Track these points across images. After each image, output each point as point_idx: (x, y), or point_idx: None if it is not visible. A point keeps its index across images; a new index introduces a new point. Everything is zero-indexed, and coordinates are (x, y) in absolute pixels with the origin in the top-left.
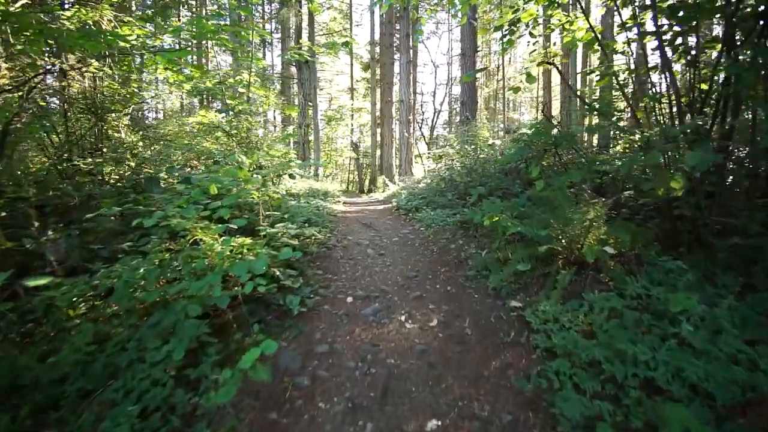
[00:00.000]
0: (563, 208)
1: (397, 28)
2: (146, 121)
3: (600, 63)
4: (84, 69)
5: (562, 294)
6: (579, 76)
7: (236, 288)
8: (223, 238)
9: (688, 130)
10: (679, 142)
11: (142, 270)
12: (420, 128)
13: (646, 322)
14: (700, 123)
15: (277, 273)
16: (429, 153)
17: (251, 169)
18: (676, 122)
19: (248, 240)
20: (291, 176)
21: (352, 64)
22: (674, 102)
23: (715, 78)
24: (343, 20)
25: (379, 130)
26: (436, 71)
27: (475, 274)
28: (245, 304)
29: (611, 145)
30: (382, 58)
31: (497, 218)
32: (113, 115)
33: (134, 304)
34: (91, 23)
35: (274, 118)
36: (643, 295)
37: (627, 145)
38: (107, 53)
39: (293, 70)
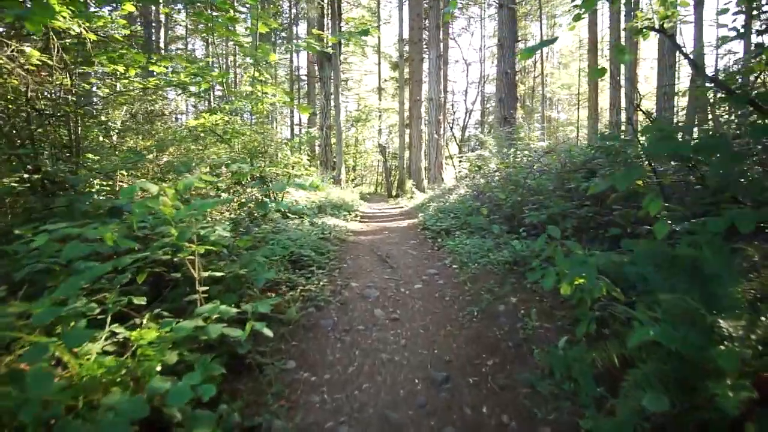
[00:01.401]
0: (723, 283)
1: (426, 24)
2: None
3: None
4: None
5: None
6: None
7: None
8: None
9: None
10: None
11: None
12: (451, 129)
13: None
14: None
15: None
16: (461, 156)
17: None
18: None
19: (149, 334)
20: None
21: (379, 63)
22: None
23: None
24: (371, 17)
25: (407, 131)
26: (467, 69)
27: (550, 388)
28: None
29: None
30: (411, 55)
31: (581, 281)
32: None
33: None
34: None
35: (299, 120)
36: None
37: None
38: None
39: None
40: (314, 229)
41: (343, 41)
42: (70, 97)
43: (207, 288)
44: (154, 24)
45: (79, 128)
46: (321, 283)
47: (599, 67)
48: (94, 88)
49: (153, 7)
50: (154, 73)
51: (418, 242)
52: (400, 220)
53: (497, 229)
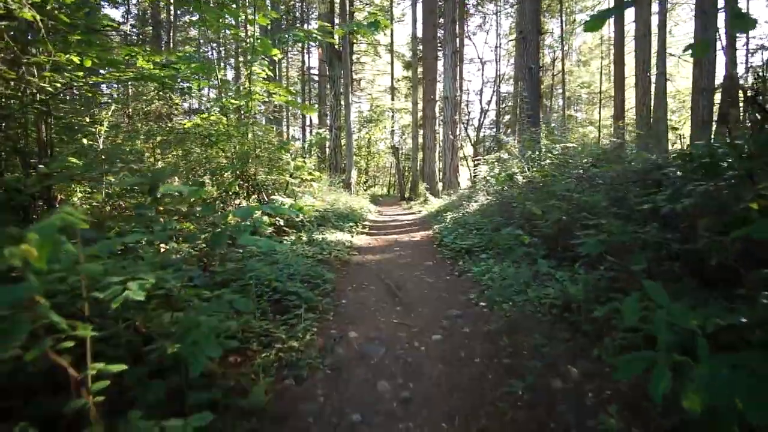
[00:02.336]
0: None
1: (441, 22)
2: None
3: None
4: None
5: None
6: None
7: None
8: None
9: None
10: None
11: None
12: (465, 129)
13: None
14: None
15: None
16: (478, 158)
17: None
18: None
19: None
20: (277, 211)
21: (392, 63)
22: None
23: None
24: (386, 26)
25: (420, 132)
26: (483, 68)
27: None
28: None
29: None
30: (425, 53)
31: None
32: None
33: None
34: None
35: (310, 121)
36: None
37: None
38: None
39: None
40: (311, 248)
41: (354, 41)
42: (37, 95)
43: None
44: (164, 25)
45: (49, 130)
46: (307, 336)
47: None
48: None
49: (162, 5)
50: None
51: (435, 264)
52: (412, 231)
53: (544, 266)
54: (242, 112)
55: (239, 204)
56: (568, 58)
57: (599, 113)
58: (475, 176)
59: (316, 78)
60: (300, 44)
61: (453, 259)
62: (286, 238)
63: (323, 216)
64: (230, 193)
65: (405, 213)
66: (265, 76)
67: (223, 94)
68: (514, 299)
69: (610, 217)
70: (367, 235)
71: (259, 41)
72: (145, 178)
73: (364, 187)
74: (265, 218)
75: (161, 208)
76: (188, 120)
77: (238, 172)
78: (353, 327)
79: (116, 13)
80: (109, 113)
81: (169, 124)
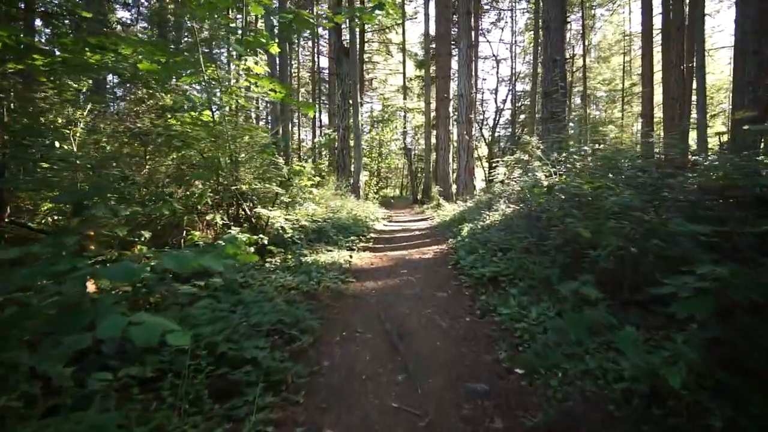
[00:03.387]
0: None
1: (455, 19)
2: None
3: None
4: None
5: None
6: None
7: None
8: None
9: None
10: None
11: None
12: (480, 129)
13: None
14: None
15: None
16: (497, 160)
17: None
18: None
19: None
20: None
21: (404, 62)
22: None
23: None
24: (395, 14)
25: (433, 132)
26: (498, 66)
27: None
28: None
29: None
30: (438, 49)
31: None
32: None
33: None
34: None
35: (320, 122)
36: None
37: None
38: None
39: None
40: (295, 278)
41: (365, 38)
42: None
43: None
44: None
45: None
46: None
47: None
48: None
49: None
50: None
51: (450, 296)
52: (424, 245)
53: (606, 315)
54: (224, 110)
55: (211, 221)
56: (588, 54)
57: (622, 111)
58: (491, 178)
59: (327, 78)
60: (311, 44)
61: (473, 290)
62: (270, 260)
63: (320, 229)
64: (199, 207)
65: (416, 219)
66: (263, 72)
67: (211, 92)
68: (566, 369)
69: (702, 251)
70: (371, 252)
71: (252, 33)
72: (71, 194)
73: (375, 189)
74: (244, 237)
75: (92, 233)
76: (161, 119)
77: (213, 180)
78: (331, 414)
79: (128, 15)
80: (85, 113)
81: (138, 124)
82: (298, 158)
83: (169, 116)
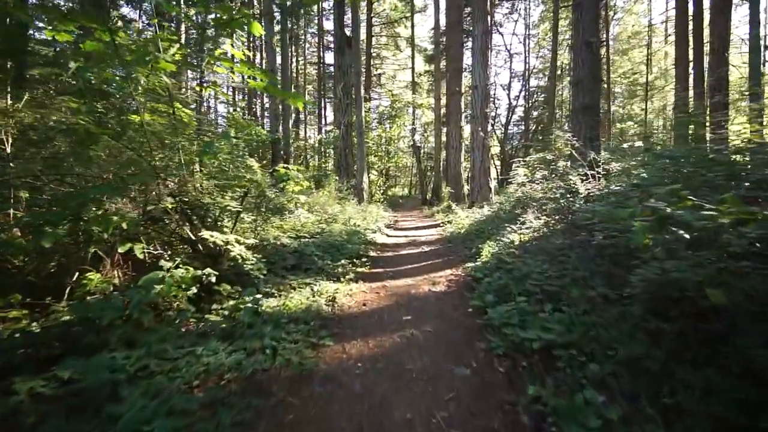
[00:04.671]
0: None
1: (467, 11)
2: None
3: None
4: None
5: None
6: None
7: None
8: None
9: None
10: None
11: None
12: (492, 126)
13: None
14: None
15: None
16: (519, 160)
17: None
18: None
19: None
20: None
21: (413, 57)
22: None
23: None
24: (404, 7)
25: (443, 130)
26: (511, 60)
27: None
28: None
29: None
30: (449, 39)
31: None
32: None
33: None
34: None
35: (325, 120)
36: None
37: None
38: None
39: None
40: (227, 357)
41: (373, 32)
42: None
43: None
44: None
45: None
46: None
47: None
48: None
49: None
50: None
51: (477, 379)
52: (434, 269)
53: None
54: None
55: (130, 253)
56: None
57: (645, 106)
58: (505, 178)
59: (333, 73)
60: (317, 39)
61: (512, 369)
62: (215, 310)
63: (301, 251)
64: (108, 236)
65: (426, 225)
66: (244, 58)
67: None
68: None
69: None
70: (365, 281)
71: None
72: None
73: (382, 190)
74: (179, 273)
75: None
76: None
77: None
78: None
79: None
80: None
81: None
82: (305, 158)
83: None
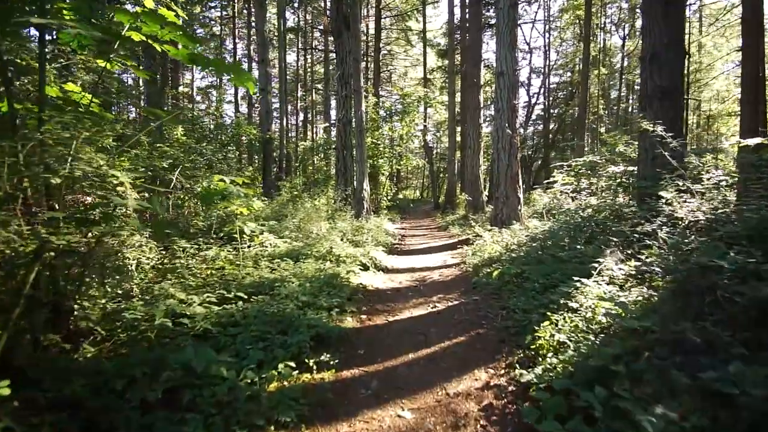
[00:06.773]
0: None
1: None
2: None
3: None
4: None
5: None
6: None
7: None
8: None
9: None
10: None
11: None
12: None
13: None
14: None
15: None
16: (561, 164)
17: None
18: None
19: None
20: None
21: (425, 52)
22: None
23: None
24: None
25: (458, 129)
26: (531, 55)
27: None
28: None
29: None
30: (466, 22)
31: None
32: None
33: None
34: None
35: (327, 113)
36: None
37: None
38: None
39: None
40: None
41: (382, 25)
42: None
43: None
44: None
45: None
46: None
47: None
48: None
49: None
50: None
51: None
52: (454, 368)
53: None
54: None
55: None
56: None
57: (687, 104)
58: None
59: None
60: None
61: None
62: None
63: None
64: None
65: (439, 246)
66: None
67: None
68: None
69: None
70: (322, 408)
71: None
72: None
73: (391, 195)
74: None
75: None
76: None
77: None
78: None
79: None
80: None
81: None
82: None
83: None
